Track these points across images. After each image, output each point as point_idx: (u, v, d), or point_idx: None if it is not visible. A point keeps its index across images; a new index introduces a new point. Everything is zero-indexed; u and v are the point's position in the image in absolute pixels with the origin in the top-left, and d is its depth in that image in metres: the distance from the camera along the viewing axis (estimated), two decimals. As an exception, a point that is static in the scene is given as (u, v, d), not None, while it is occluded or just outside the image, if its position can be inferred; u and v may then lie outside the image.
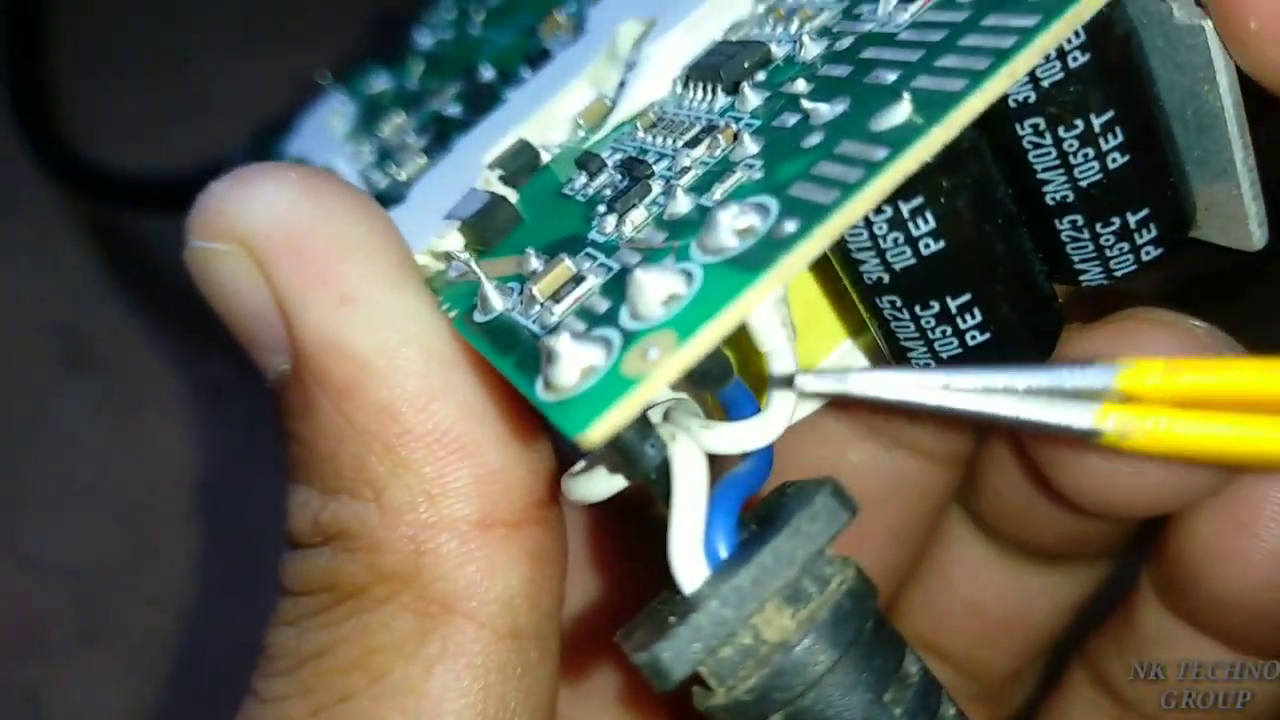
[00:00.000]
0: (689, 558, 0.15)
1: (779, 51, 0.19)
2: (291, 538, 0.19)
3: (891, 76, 0.16)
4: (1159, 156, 0.16)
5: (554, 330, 0.16)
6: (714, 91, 0.19)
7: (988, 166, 0.15)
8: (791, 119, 0.17)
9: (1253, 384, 0.14)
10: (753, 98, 0.18)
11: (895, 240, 0.15)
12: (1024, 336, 0.16)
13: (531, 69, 0.25)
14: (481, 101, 0.26)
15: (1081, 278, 0.17)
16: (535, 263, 0.18)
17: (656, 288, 0.14)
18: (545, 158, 0.21)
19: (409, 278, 0.18)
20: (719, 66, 0.19)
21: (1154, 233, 0.16)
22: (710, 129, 0.18)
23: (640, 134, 0.20)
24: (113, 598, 0.46)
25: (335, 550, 0.19)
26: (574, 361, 0.14)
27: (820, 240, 0.14)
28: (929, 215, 0.15)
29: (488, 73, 0.27)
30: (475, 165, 0.22)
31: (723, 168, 0.17)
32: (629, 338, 0.14)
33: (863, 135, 0.15)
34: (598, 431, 0.13)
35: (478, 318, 0.18)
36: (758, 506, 0.16)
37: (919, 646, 0.20)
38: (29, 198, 0.52)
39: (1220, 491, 0.21)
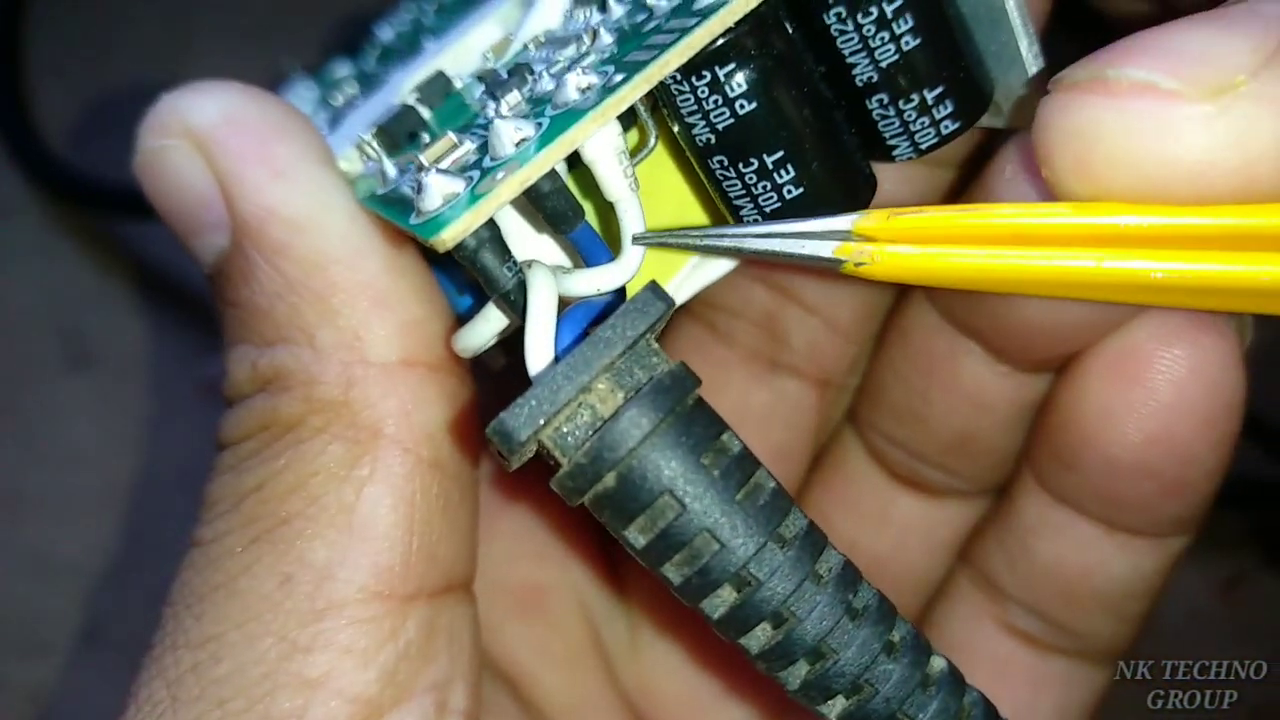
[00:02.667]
0: (537, 350, 0.17)
1: None
2: (231, 392, 0.21)
3: None
4: (948, 39, 0.19)
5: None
6: (590, 11, 0.22)
7: (789, 38, 0.18)
8: (641, 18, 0.20)
9: (955, 223, 0.17)
10: (616, 9, 0.21)
11: (715, 102, 0.18)
12: (835, 193, 0.19)
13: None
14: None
15: (894, 153, 0.20)
16: (426, 141, 0.21)
17: (511, 131, 0.18)
18: (457, 85, 0.24)
19: (330, 159, 0.21)
20: None
21: (950, 108, 0.19)
22: (579, 36, 0.21)
23: (531, 52, 0.23)
24: (114, 597, 0.46)
25: (272, 392, 0.21)
26: (438, 191, 0.17)
27: (640, 85, 0.17)
28: (740, 78, 0.18)
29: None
30: (397, 93, 0.25)
31: (586, 52, 0.20)
32: (485, 172, 0.17)
33: (686, 13, 0.18)
34: (450, 234, 0.16)
35: (379, 191, 0.21)
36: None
37: None
38: (29, 198, 0.53)
39: (1111, 349, 0.23)
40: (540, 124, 0.18)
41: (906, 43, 0.18)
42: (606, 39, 0.20)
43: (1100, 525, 0.26)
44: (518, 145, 0.17)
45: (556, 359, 0.17)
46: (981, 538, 0.29)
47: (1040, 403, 0.26)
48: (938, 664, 0.18)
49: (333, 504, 0.20)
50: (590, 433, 0.16)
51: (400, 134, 0.23)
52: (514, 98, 0.20)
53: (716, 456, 0.17)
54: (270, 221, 0.20)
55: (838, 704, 0.17)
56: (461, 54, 0.25)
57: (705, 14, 0.17)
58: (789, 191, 0.19)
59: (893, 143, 0.20)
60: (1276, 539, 0.47)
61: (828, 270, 0.18)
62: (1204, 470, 0.24)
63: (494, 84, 0.20)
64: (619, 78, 0.17)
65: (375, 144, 0.22)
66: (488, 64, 0.24)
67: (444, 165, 0.19)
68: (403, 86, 0.25)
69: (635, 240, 0.18)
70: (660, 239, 0.18)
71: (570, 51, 0.20)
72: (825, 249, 0.17)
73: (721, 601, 0.17)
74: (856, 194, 0.20)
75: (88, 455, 0.50)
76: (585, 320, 0.17)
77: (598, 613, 0.30)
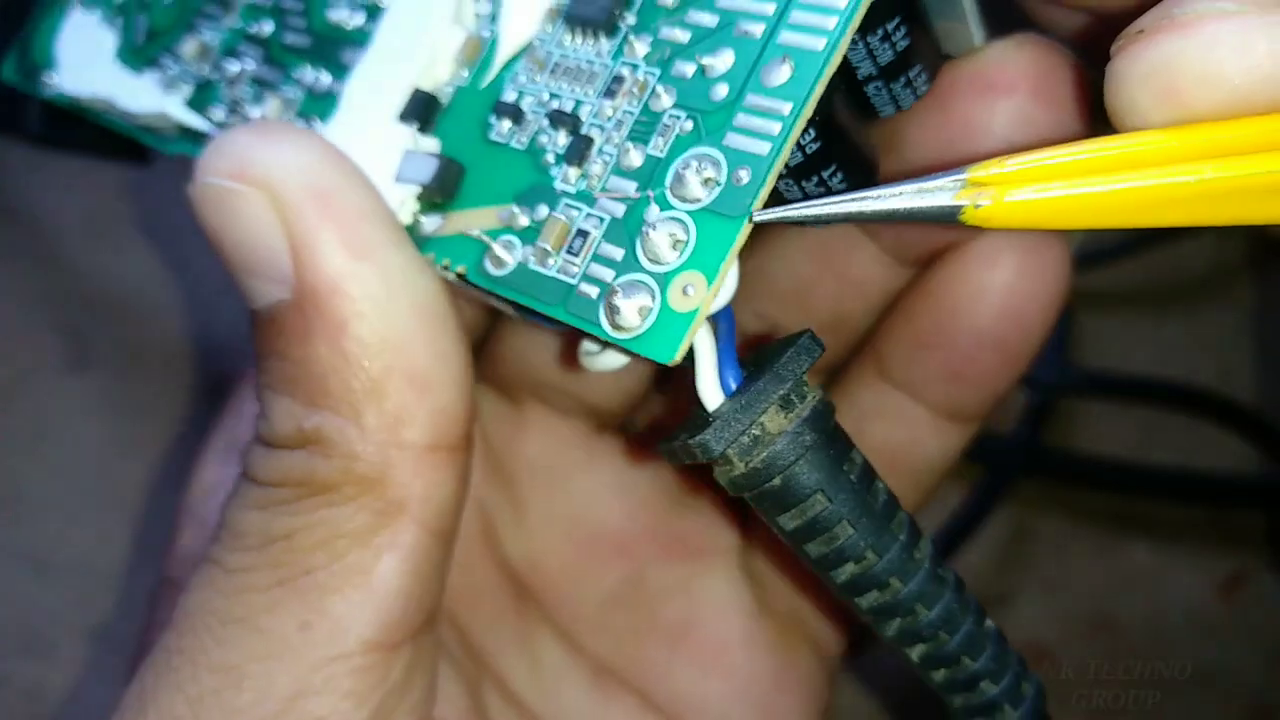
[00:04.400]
0: (711, 390, 0.22)
1: None
2: (271, 439, 0.23)
3: (758, 30, 0.22)
4: (929, 36, 0.24)
5: (592, 280, 0.22)
6: (595, 35, 0.24)
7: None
8: (688, 69, 0.22)
9: (1067, 162, 0.19)
10: (639, 46, 0.23)
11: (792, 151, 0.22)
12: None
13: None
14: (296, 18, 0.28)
15: (881, 113, 0.25)
16: (523, 218, 0.23)
17: (666, 238, 0.21)
18: (444, 100, 0.25)
19: (405, 239, 0.23)
20: (590, 16, 0.23)
21: (926, 77, 0.24)
22: (618, 79, 0.23)
23: (539, 78, 0.24)
24: (115, 596, 0.48)
25: (312, 453, 0.23)
26: (632, 307, 0.21)
27: (771, 181, 0.20)
28: (812, 130, 0.22)
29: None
30: (380, 118, 0.25)
31: (651, 118, 0.22)
32: (661, 280, 0.21)
33: (760, 90, 0.21)
34: (680, 354, 0.20)
35: (494, 271, 0.23)
36: (750, 355, 0.23)
37: None
38: (29, 197, 0.51)
39: (975, 247, 0.28)
40: (682, 222, 0.21)
41: (900, 45, 0.23)
42: (666, 99, 0.22)
43: (928, 407, 0.31)
44: (673, 248, 0.21)
45: (738, 391, 0.22)
46: None
47: (901, 292, 0.30)
48: (990, 625, 0.24)
49: (354, 565, 0.23)
50: (765, 448, 0.21)
51: (445, 190, 0.24)
52: (596, 168, 0.22)
53: (851, 465, 0.22)
54: (341, 299, 0.22)
55: (919, 649, 0.23)
56: (429, 64, 0.25)
57: (793, 99, 0.21)
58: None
59: (882, 109, 0.25)
60: (1277, 539, 0.48)
61: (948, 221, 0.19)
62: (1030, 350, 0.29)
63: (540, 133, 0.23)
64: (744, 175, 0.21)
65: (418, 204, 0.24)
66: (463, 74, 0.25)
67: (582, 256, 0.22)
68: (385, 114, 0.25)
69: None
70: (782, 213, 0.21)
71: (620, 104, 0.23)
72: (944, 198, 0.19)
73: (845, 572, 0.22)
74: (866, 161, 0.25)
75: (88, 456, 0.51)
76: (734, 352, 0.22)
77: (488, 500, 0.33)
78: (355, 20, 0.27)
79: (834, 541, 0.22)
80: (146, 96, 0.30)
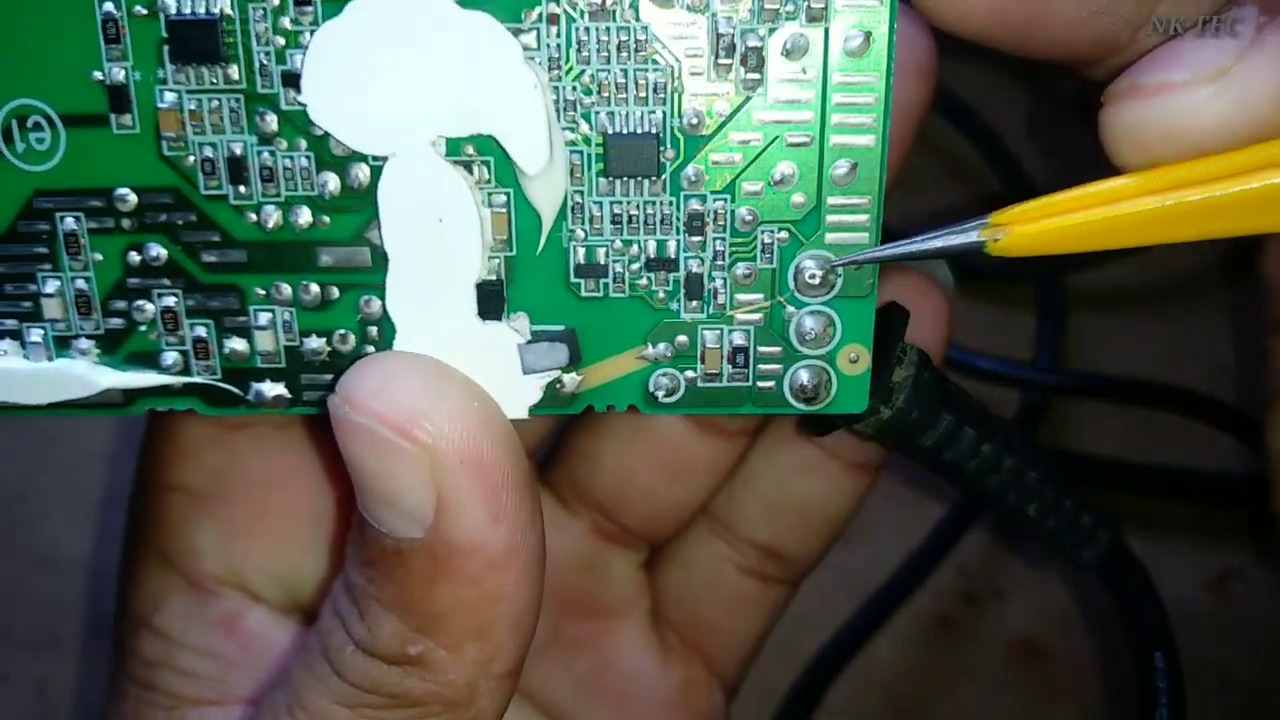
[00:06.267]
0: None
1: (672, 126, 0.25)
2: (373, 651, 0.25)
3: (806, 139, 0.25)
4: None
5: (765, 377, 0.27)
6: (642, 179, 0.25)
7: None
8: (754, 186, 0.26)
9: (1069, 200, 0.24)
10: (695, 178, 0.25)
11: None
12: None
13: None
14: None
15: None
16: (666, 351, 0.27)
17: (815, 328, 0.26)
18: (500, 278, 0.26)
19: (536, 499, 0.25)
20: (635, 170, 0.25)
21: None
22: (695, 215, 0.26)
23: (602, 230, 0.26)
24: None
25: (409, 673, 0.25)
26: (813, 385, 0.27)
27: (872, 265, 0.26)
28: None
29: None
30: (460, 327, 0.26)
31: (744, 239, 0.26)
32: (828, 358, 0.27)
33: (836, 191, 0.26)
34: (866, 404, 0.27)
35: (667, 400, 0.27)
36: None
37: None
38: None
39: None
40: (823, 314, 0.27)
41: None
42: (750, 219, 0.26)
43: (843, 461, 0.35)
44: (827, 332, 0.27)
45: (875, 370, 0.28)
46: (732, 484, 0.37)
47: None
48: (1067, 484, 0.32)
49: None
50: (900, 391, 0.28)
51: (573, 358, 0.26)
52: (722, 296, 0.26)
53: (953, 387, 0.30)
54: (474, 556, 0.24)
55: (1031, 505, 0.31)
56: (471, 256, 0.26)
57: (868, 192, 0.26)
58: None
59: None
60: (1267, 535, 0.48)
61: (976, 254, 0.25)
62: None
63: (690, 292, 0.26)
64: (855, 265, 0.26)
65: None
66: (515, 248, 0.26)
67: (749, 369, 0.27)
68: (466, 313, 0.26)
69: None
70: (851, 259, 0.26)
71: (712, 236, 0.26)
72: (972, 236, 0.24)
73: (971, 468, 0.30)
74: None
75: (95, 453, 0.51)
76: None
77: None
78: (302, 219, 0.26)
79: (958, 449, 0.30)
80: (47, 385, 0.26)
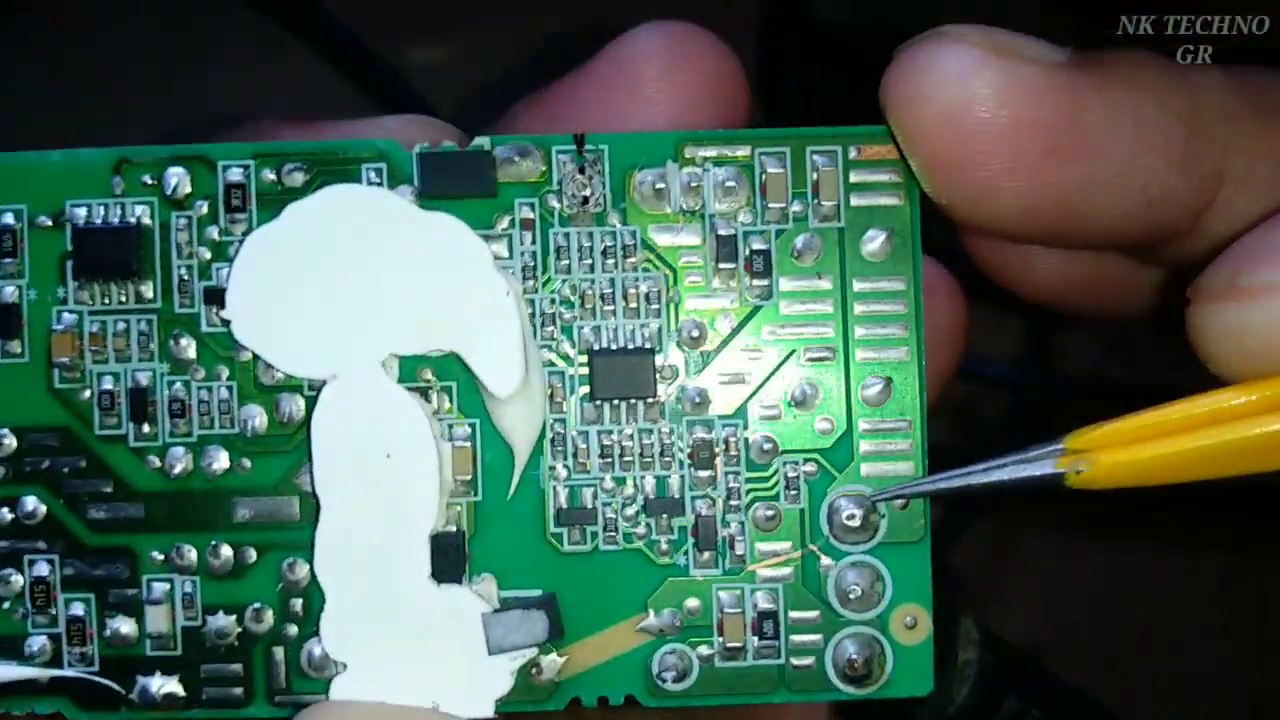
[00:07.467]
0: None
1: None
2: None
3: (828, 354, 0.22)
4: None
5: (801, 651, 0.22)
6: (633, 404, 0.22)
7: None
8: (767, 411, 0.22)
9: (1156, 421, 0.21)
10: (695, 402, 0.22)
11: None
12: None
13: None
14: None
15: None
16: (674, 620, 0.22)
17: (858, 584, 0.21)
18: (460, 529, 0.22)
19: None
20: (628, 392, 0.22)
21: None
22: (706, 443, 0.22)
23: (587, 464, 0.22)
24: None
25: None
26: (863, 659, 0.21)
27: (922, 501, 0.22)
28: None
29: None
30: (408, 593, 0.21)
31: (762, 471, 0.22)
32: (878, 623, 0.22)
33: (869, 412, 0.22)
34: (931, 684, 0.22)
35: (676, 686, 0.22)
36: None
37: None
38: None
39: None
40: (864, 564, 0.22)
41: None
42: (767, 448, 0.22)
43: None
44: (874, 587, 0.22)
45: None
46: None
47: None
48: None
49: None
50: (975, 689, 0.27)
51: (554, 631, 0.22)
52: (741, 546, 0.22)
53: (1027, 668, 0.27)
54: None
55: None
56: (430, 501, 0.21)
57: (910, 412, 0.22)
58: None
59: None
60: (1270, 540, 0.48)
61: (1052, 489, 0.21)
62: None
63: (700, 541, 0.22)
64: (901, 502, 0.22)
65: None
66: (480, 492, 0.22)
67: (774, 638, 0.22)
68: (426, 587, 0.21)
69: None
70: (896, 492, 0.22)
71: (721, 471, 0.22)
72: (1047, 467, 0.20)
73: None
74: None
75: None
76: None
77: None
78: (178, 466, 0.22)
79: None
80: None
